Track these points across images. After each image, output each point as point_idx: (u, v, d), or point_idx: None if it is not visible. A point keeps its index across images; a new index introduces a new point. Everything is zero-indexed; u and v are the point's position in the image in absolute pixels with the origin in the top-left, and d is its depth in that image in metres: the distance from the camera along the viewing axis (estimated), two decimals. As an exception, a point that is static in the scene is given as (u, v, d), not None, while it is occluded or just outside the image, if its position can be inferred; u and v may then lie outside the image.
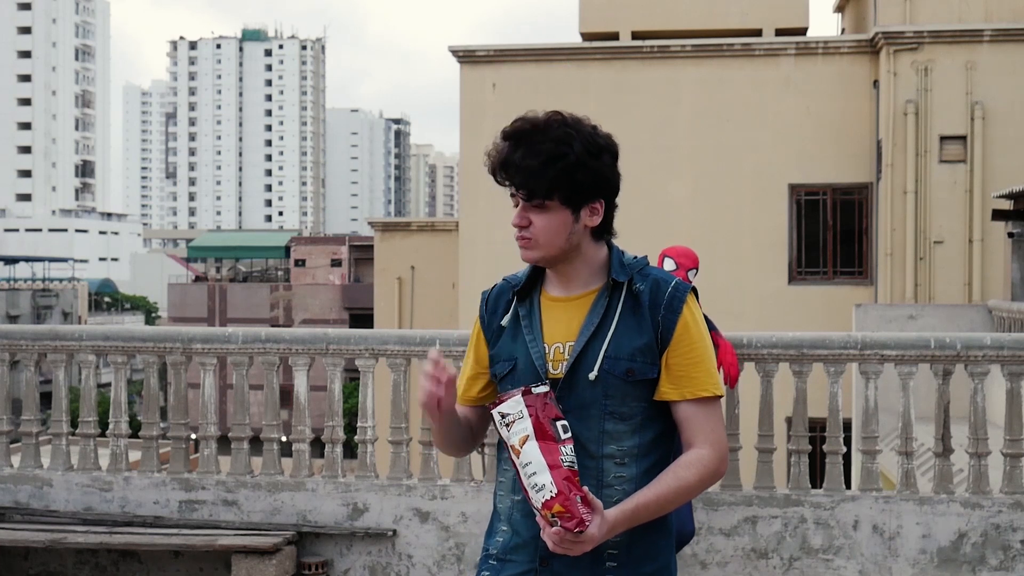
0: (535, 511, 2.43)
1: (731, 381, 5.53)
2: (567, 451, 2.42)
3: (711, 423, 2.59)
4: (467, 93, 19.05)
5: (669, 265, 5.44)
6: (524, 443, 2.42)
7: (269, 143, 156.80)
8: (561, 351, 2.57)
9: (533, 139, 2.53)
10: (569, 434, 2.45)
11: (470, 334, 2.80)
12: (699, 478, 2.55)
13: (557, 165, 2.51)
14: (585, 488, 2.41)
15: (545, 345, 2.59)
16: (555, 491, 2.37)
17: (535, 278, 2.69)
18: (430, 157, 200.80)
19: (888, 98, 17.40)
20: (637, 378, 2.55)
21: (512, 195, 2.60)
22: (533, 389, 2.47)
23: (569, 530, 2.37)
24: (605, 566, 2.54)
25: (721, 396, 2.64)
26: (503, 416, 2.46)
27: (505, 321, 2.66)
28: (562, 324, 2.60)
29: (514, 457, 2.43)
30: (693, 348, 2.59)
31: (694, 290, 2.68)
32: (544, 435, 2.42)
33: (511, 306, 2.68)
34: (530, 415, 2.44)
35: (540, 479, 2.39)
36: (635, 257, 2.70)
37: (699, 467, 2.55)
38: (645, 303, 2.58)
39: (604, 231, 2.65)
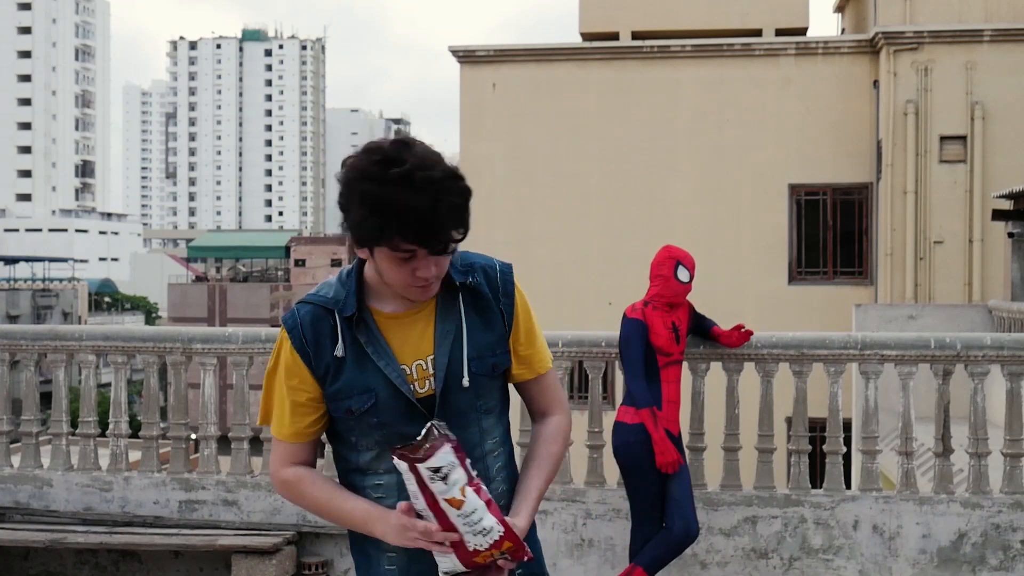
0: (464, 562, 2.31)
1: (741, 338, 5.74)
2: (483, 485, 2.35)
3: (557, 389, 2.63)
4: (467, 93, 19.06)
5: (684, 276, 5.45)
6: (464, 492, 2.28)
7: (269, 143, 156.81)
8: (424, 368, 2.42)
9: (445, 188, 2.25)
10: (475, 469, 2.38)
11: (280, 364, 2.45)
12: (563, 446, 2.61)
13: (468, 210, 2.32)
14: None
15: (404, 367, 2.40)
16: (502, 529, 2.31)
17: (355, 298, 2.42)
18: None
19: (888, 98, 17.40)
20: (500, 370, 2.51)
21: (404, 249, 2.26)
22: (450, 435, 2.30)
23: (520, 560, 2.35)
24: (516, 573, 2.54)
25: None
26: (436, 471, 2.25)
27: (340, 351, 2.38)
28: (411, 341, 2.42)
29: (450, 509, 2.28)
30: (531, 326, 2.57)
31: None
32: (471, 479, 2.31)
33: (337, 333, 2.39)
34: (459, 462, 2.29)
35: (487, 522, 2.30)
36: None
37: (562, 436, 2.60)
38: (486, 294, 2.49)
39: None
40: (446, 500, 2.27)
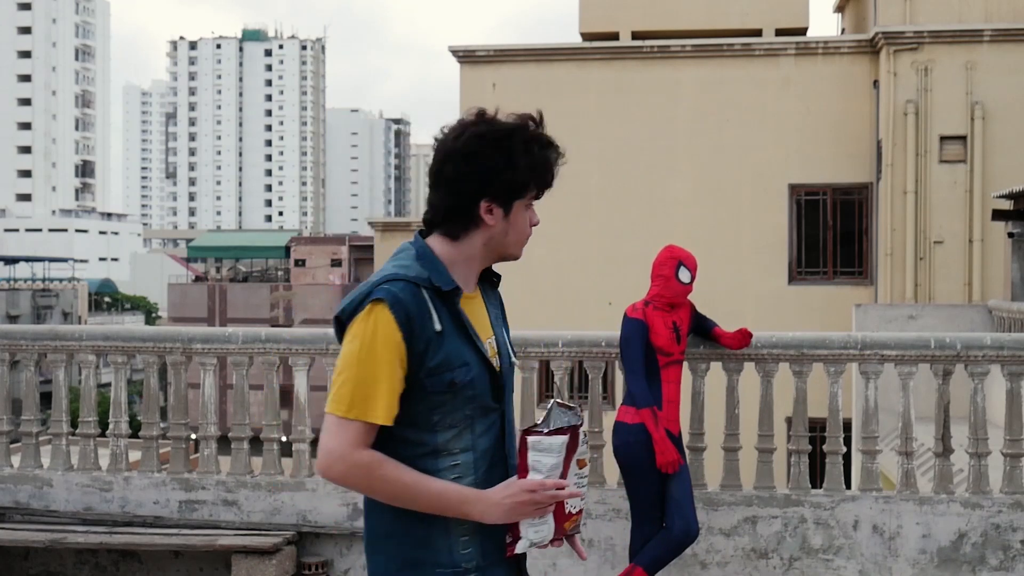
0: (557, 529, 2.49)
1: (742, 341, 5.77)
2: None
3: None
4: (467, 93, 19.06)
5: (685, 276, 5.45)
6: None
7: (269, 143, 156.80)
8: (492, 345, 2.58)
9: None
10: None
11: (382, 342, 2.40)
12: None
13: None
14: None
15: (483, 343, 2.55)
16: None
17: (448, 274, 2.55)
18: (430, 157, 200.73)
19: (888, 98, 17.40)
20: None
21: (535, 196, 2.61)
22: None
23: (577, 532, 2.59)
24: None
25: None
26: (584, 434, 2.52)
27: (438, 326, 2.44)
28: (480, 320, 2.58)
29: (575, 470, 2.50)
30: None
31: None
32: None
33: (431, 309, 2.45)
34: None
35: (586, 487, 2.57)
36: None
37: None
38: (497, 286, 2.73)
39: None
40: (578, 460, 2.49)
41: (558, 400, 2.51)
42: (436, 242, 2.53)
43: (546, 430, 2.43)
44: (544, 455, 2.42)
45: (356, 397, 2.41)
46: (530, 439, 2.43)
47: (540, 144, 2.52)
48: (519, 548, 2.46)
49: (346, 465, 2.41)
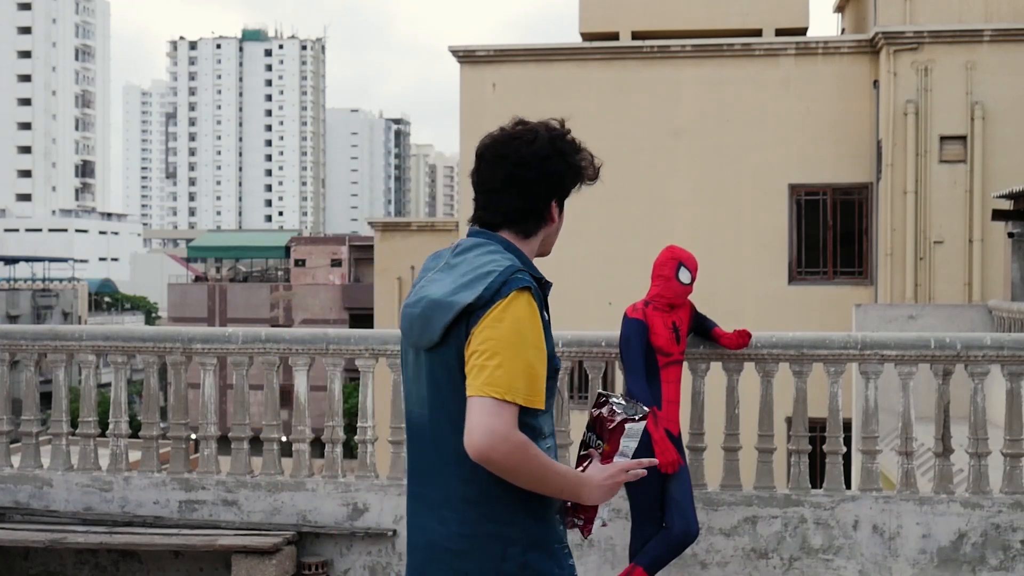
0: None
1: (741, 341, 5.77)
2: None
3: None
4: (467, 93, 19.06)
5: (686, 277, 5.46)
6: None
7: (269, 143, 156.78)
8: None
9: None
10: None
11: (533, 329, 2.52)
12: None
13: None
14: None
15: None
16: None
17: None
18: (430, 157, 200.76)
19: (888, 98, 17.40)
20: None
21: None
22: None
23: None
24: None
25: None
26: None
27: (546, 316, 2.65)
28: None
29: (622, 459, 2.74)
30: None
31: None
32: None
33: (540, 301, 2.63)
34: None
35: None
36: None
37: None
38: None
39: None
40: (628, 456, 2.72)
41: (603, 391, 2.78)
42: (510, 239, 2.67)
43: (637, 417, 2.65)
44: (631, 440, 2.67)
45: (514, 380, 2.46)
46: (627, 426, 2.65)
47: (580, 147, 2.75)
48: (595, 528, 2.66)
49: (509, 445, 2.44)
